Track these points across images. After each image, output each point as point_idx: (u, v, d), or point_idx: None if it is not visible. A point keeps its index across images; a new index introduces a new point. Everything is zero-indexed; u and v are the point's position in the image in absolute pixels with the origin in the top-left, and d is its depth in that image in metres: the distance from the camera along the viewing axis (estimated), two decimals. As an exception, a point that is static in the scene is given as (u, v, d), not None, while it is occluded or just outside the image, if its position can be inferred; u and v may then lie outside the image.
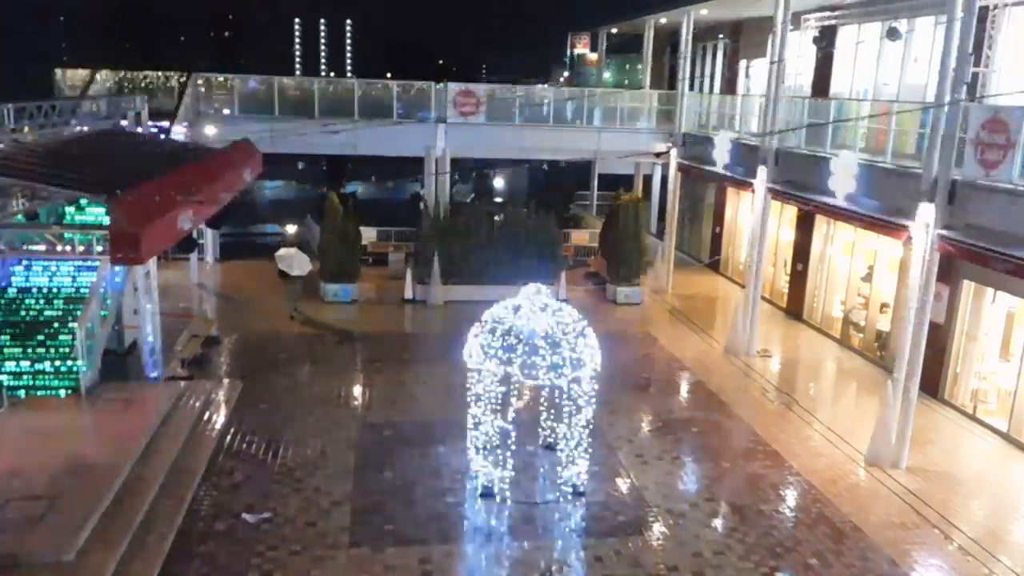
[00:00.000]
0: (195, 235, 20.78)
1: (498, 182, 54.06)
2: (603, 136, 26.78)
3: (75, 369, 14.72)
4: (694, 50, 25.94)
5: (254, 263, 27.70)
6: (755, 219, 19.98)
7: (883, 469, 14.05)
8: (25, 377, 14.67)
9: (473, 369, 12.33)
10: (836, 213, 17.64)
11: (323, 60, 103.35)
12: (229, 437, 14.42)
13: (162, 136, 22.42)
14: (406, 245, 27.00)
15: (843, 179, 16.63)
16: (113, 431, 13.48)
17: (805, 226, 22.66)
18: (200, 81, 25.28)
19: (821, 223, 21.91)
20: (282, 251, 20.15)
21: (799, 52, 22.81)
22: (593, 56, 43.14)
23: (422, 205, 25.20)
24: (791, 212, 22.99)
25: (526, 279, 13.50)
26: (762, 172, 19.30)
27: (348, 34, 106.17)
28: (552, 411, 13.73)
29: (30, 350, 14.80)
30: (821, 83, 22.79)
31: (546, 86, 26.40)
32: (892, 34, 18.17)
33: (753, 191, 19.96)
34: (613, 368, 18.46)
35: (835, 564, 11.27)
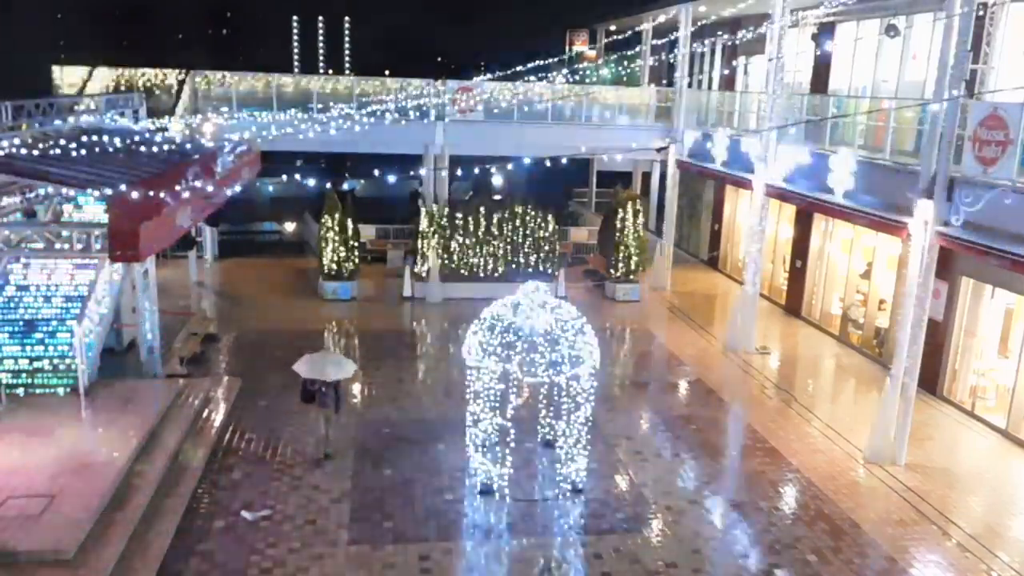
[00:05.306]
0: (194, 233, 20.79)
1: (497, 179, 53.97)
2: (602, 133, 26.75)
3: (74, 367, 14.72)
4: (692, 47, 25.92)
5: (253, 261, 27.85)
6: (753, 216, 19.98)
7: (882, 466, 14.07)
8: (24, 375, 14.67)
9: (472, 367, 12.34)
10: (834, 211, 17.62)
11: (321, 57, 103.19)
12: (228, 434, 14.44)
13: (160, 134, 22.38)
14: (405, 243, 27.06)
15: (842, 176, 16.62)
16: (112, 429, 13.46)
17: (804, 223, 22.66)
18: (198, 79, 25.26)
19: (820, 220, 21.91)
20: (304, 358, 13.42)
21: (797, 49, 22.78)
22: (591, 53, 43.04)
23: (420, 202, 25.21)
24: (790, 209, 22.98)
25: (525, 276, 13.48)
26: (760, 169, 19.28)
27: (346, 31, 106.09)
28: (551, 408, 13.74)
29: (29, 348, 14.80)
30: (820, 80, 22.77)
31: (546, 83, 26.12)
32: (891, 31, 18.16)
33: (751, 188, 19.95)
34: (612, 365, 18.58)
35: (834, 560, 11.29)
